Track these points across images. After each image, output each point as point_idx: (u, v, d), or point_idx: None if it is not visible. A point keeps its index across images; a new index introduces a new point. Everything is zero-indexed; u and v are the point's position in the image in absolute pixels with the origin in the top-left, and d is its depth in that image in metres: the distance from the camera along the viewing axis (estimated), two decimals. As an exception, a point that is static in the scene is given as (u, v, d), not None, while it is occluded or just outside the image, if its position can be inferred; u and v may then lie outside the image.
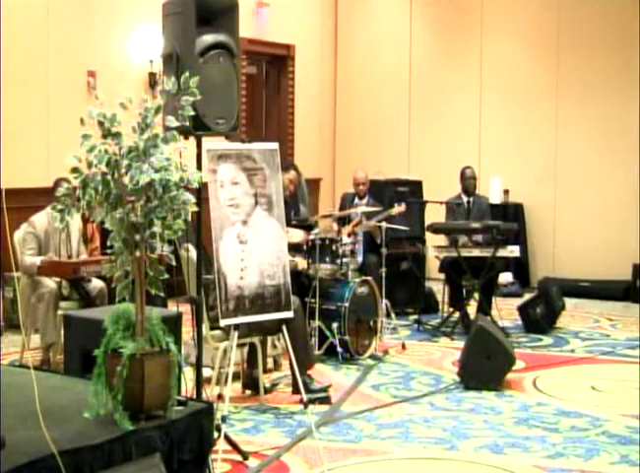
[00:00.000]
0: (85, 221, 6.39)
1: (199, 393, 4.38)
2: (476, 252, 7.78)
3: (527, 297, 8.68)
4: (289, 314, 4.83)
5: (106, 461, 3.22)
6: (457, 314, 7.89)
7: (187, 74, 3.69)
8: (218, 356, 5.32)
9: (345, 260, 6.86)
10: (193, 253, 5.06)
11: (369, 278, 7.03)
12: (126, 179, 3.40)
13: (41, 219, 6.24)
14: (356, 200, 8.43)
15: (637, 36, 9.56)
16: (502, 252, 7.70)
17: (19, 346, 6.43)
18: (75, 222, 6.37)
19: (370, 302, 6.93)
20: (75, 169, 3.38)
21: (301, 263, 6.81)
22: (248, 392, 5.84)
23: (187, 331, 5.45)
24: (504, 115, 10.59)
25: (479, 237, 7.98)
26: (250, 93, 10.60)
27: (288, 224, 6.12)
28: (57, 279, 6.18)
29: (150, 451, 3.34)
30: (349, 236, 7.40)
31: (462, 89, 10.82)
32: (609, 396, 5.93)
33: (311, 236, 6.76)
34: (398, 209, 7.79)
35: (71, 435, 3.27)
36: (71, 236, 6.37)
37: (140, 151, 3.42)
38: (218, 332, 5.34)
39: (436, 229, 7.90)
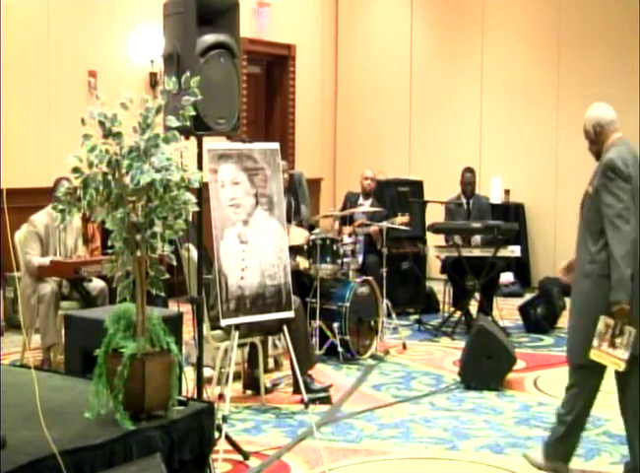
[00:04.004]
0: (85, 221, 6.39)
1: (200, 393, 4.39)
2: (476, 252, 7.79)
3: (528, 297, 8.68)
4: (290, 314, 4.83)
5: (107, 461, 3.22)
6: (457, 314, 7.89)
7: (188, 74, 3.69)
8: (218, 356, 5.32)
9: (345, 260, 6.87)
10: (194, 253, 5.05)
11: (370, 278, 7.03)
12: (127, 179, 3.39)
13: (41, 217, 6.26)
14: (361, 199, 8.42)
15: (637, 36, 9.55)
16: (503, 252, 7.70)
17: (20, 346, 6.43)
18: (73, 221, 6.36)
19: (371, 301, 6.93)
20: (76, 169, 3.38)
21: (302, 263, 6.81)
22: (249, 392, 5.84)
23: (188, 331, 5.45)
24: (505, 115, 10.58)
25: (476, 239, 7.98)
26: (251, 93, 10.60)
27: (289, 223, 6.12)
28: (57, 279, 6.17)
29: (151, 451, 3.33)
30: (349, 235, 7.39)
31: (462, 89, 10.81)
32: (610, 396, 5.91)
33: (312, 237, 6.77)
34: (401, 219, 7.76)
35: (72, 435, 3.27)
36: (67, 235, 6.37)
37: (141, 151, 3.42)
38: (218, 332, 5.34)
39: (437, 229, 7.90)
